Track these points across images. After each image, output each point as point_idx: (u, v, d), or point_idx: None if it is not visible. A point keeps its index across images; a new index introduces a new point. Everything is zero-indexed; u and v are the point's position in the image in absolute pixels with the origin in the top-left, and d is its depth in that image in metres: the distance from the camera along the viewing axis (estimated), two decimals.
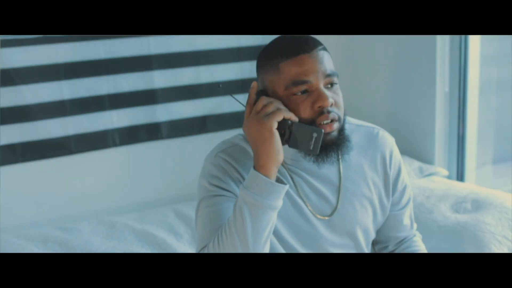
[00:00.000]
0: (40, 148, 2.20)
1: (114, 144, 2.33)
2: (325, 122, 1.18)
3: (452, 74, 2.41)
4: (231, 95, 1.32)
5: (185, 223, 2.12)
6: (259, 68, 1.25)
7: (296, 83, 1.16)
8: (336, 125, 1.19)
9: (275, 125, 1.14)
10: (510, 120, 2.74)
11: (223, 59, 2.45)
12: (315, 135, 1.15)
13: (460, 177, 2.50)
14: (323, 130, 1.16)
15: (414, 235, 1.47)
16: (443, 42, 2.36)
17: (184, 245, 2.00)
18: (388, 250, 1.45)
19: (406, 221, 1.44)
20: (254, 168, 1.14)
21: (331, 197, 1.30)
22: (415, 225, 1.48)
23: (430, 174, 2.37)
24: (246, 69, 2.49)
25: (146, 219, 2.14)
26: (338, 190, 1.30)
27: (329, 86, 1.19)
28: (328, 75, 1.18)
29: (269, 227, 1.14)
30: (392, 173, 1.37)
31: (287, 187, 1.15)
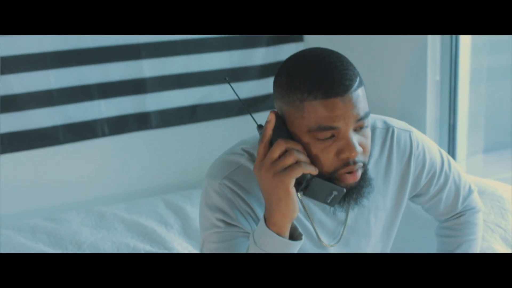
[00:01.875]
0: (28, 138, 2.18)
1: (103, 134, 2.32)
2: (348, 171, 1.04)
3: (443, 63, 2.41)
4: (236, 93, 1.18)
5: (175, 213, 2.11)
6: (277, 95, 1.06)
7: (322, 128, 1.00)
8: (359, 173, 1.06)
9: (293, 182, 1.00)
10: (501, 109, 2.74)
11: (213, 48, 2.43)
12: (335, 193, 1.04)
13: None
14: (344, 190, 1.04)
15: (466, 211, 1.37)
16: None
17: (174, 235, 1.99)
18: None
19: (445, 206, 1.34)
20: (266, 222, 1.02)
21: (342, 214, 1.21)
22: (465, 201, 1.36)
23: None
24: (236, 58, 2.48)
25: (135, 209, 2.13)
26: (347, 213, 1.21)
27: (359, 129, 1.04)
28: (360, 119, 1.02)
29: None
30: (412, 171, 1.25)
31: (302, 241, 1.05)
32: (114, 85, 2.30)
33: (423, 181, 1.28)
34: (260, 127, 1.09)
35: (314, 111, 0.99)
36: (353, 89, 1.00)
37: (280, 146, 1.00)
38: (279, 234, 1.02)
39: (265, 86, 2.55)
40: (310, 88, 0.99)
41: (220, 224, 1.11)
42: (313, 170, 1.01)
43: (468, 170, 2.54)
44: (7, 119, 2.12)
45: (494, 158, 2.82)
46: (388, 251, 1.34)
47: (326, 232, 1.20)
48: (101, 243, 1.91)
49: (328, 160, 1.02)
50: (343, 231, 1.21)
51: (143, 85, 2.35)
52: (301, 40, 2.62)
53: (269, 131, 1.03)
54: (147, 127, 2.40)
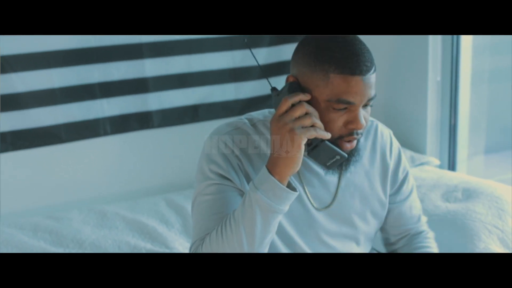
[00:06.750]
0: (30, 136, 2.19)
1: (105, 133, 2.32)
2: (349, 140, 1.18)
3: (444, 63, 2.41)
4: (252, 54, 1.32)
5: (176, 212, 2.12)
6: (300, 61, 1.17)
7: (341, 101, 1.12)
8: (355, 142, 1.20)
9: (305, 141, 1.11)
10: (502, 110, 2.74)
11: (214, 47, 2.43)
12: (337, 157, 1.16)
13: (452, 166, 2.51)
14: (346, 156, 1.17)
15: (427, 232, 1.46)
16: None
17: (175, 234, 2.00)
18: (398, 246, 1.45)
19: (411, 213, 1.43)
20: (268, 169, 1.11)
21: (332, 185, 1.30)
22: (423, 219, 1.46)
23: (421, 164, 2.37)
24: (238, 58, 2.48)
25: (137, 208, 2.14)
26: (339, 178, 1.31)
27: (365, 106, 1.17)
28: (370, 99, 1.15)
29: (275, 229, 1.15)
30: (392, 164, 1.37)
31: (297, 193, 1.14)
32: (116, 84, 2.30)
33: (400, 175, 1.39)
34: (274, 89, 1.21)
35: (338, 84, 1.11)
36: (372, 71, 1.13)
37: (302, 108, 1.11)
38: (280, 182, 1.11)
39: (266, 86, 2.54)
40: (337, 62, 1.10)
41: (213, 176, 1.21)
42: (325, 135, 1.13)
43: (468, 171, 2.54)
44: (9, 117, 2.13)
45: (495, 159, 2.82)
46: (369, 240, 1.40)
47: (313, 197, 1.29)
48: (103, 241, 1.92)
49: (336, 127, 1.15)
50: (333, 198, 1.31)
51: (145, 85, 2.35)
52: None
53: (296, 97, 1.12)
54: (149, 126, 2.40)
